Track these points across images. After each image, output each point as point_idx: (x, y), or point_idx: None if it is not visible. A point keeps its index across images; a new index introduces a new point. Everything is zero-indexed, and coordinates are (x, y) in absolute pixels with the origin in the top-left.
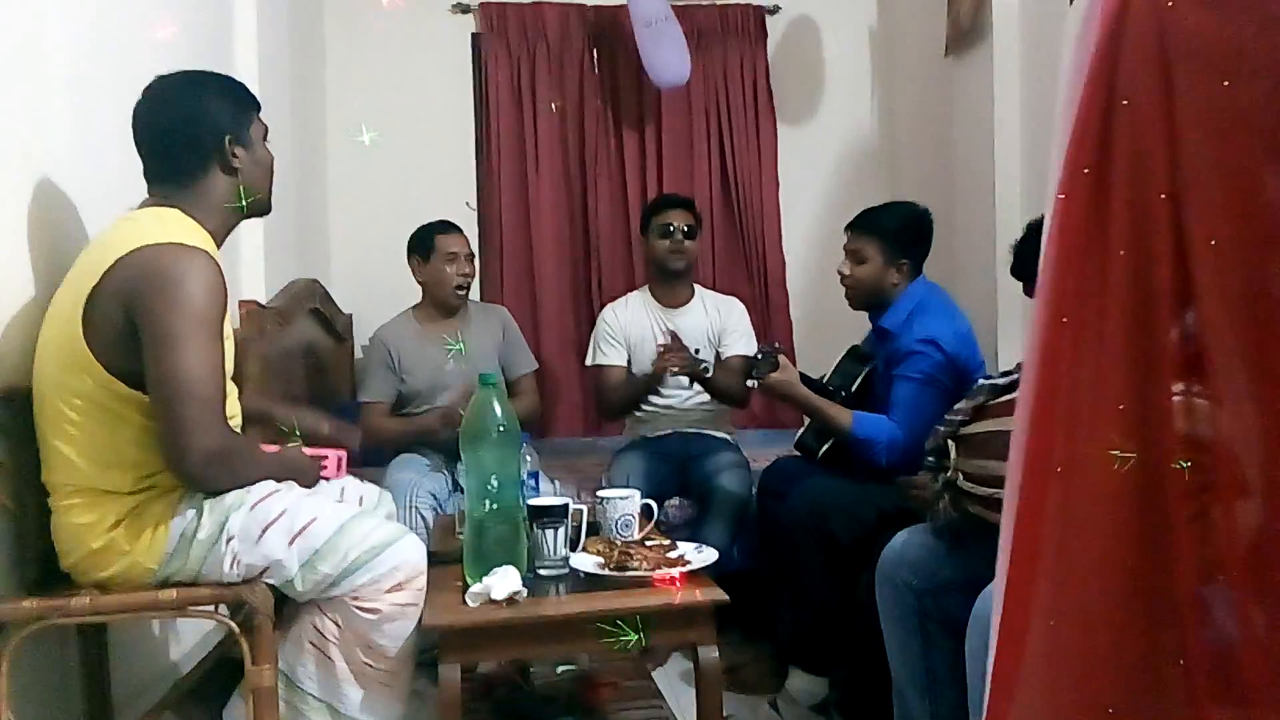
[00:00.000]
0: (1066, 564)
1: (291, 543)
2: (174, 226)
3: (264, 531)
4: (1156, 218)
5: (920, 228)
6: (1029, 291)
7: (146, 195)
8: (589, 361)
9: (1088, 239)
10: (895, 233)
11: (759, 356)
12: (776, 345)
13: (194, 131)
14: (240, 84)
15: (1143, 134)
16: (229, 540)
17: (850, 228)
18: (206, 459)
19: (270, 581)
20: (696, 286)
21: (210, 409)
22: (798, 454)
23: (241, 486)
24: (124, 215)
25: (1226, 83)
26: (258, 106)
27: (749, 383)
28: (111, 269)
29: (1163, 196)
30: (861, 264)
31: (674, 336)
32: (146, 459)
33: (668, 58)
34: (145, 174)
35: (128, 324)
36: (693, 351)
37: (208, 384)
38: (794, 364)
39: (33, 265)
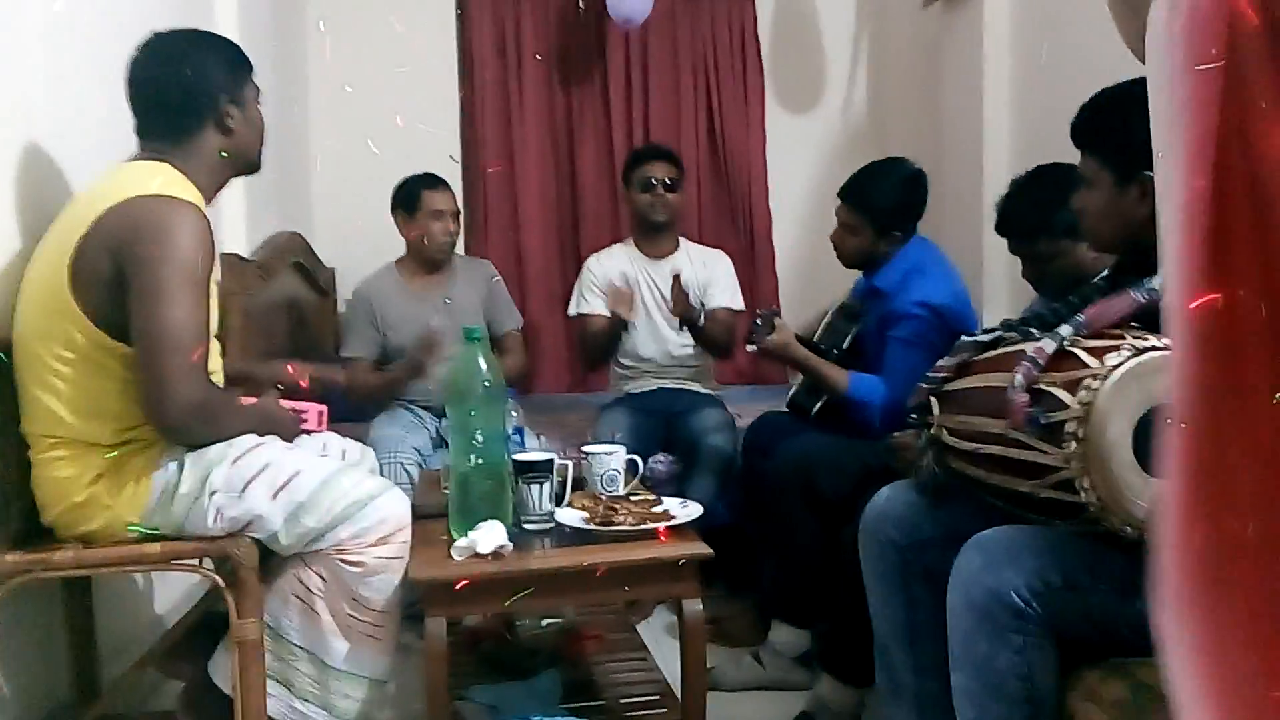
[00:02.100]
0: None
1: (275, 496)
2: (165, 180)
3: (247, 485)
4: None
5: (914, 195)
6: (1014, 249)
7: (137, 150)
8: (572, 311)
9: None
10: (887, 210)
11: (757, 322)
12: (774, 309)
13: (190, 89)
14: (235, 45)
15: None
16: (212, 494)
17: (842, 196)
18: (186, 411)
19: (254, 535)
20: (681, 239)
21: (192, 362)
22: (785, 410)
23: (221, 440)
24: (114, 167)
25: None
26: (251, 68)
27: (748, 347)
28: (101, 218)
29: None
30: (853, 236)
31: (677, 280)
32: (128, 411)
33: None
34: (137, 130)
35: (115, 274)
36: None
37: (191, 337)
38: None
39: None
